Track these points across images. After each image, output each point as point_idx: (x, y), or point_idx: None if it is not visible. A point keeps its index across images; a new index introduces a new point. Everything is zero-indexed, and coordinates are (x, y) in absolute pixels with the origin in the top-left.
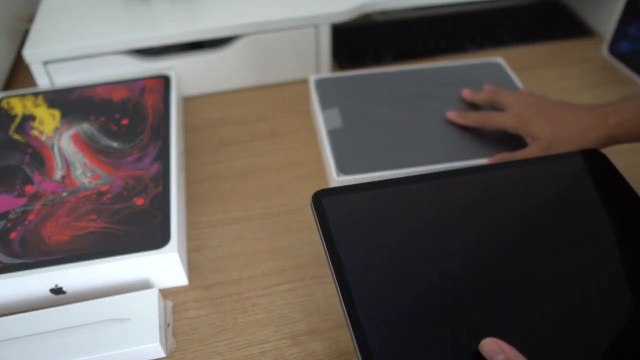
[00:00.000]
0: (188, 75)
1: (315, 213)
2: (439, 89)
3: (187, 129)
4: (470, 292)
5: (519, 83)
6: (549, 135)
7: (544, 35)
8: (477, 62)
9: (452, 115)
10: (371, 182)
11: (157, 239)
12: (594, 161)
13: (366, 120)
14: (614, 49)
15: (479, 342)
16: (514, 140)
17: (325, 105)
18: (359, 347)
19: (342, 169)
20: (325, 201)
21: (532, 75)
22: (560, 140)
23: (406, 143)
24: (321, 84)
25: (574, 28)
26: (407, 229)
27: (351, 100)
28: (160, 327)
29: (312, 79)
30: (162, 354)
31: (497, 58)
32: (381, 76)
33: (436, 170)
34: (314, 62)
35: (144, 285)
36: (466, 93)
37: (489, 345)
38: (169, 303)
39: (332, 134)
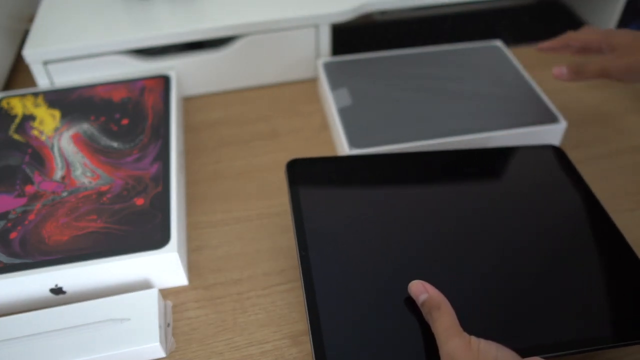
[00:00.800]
0: (188, 75)
1: (287, 178)
2: (441, 69)
3: (187, 129)
4: (410, 254)
5: (517, 64)
6: (630, 42)
7: (544, 35)
8: (477, 45)
9: (557, 71)
10: (337, 157)
11: (157, 239)
12: (553, 154)
13: (374, 98)
14: None
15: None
16: (516, 114)
17: (334, 86)
18: (305, 283)
19: (354, 143)
20: (297, 168)
21: (531, 75)
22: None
23: (413, 119)
24: (329, 67)
25: (574, 28)
26: (363, 198)
27: (359, 81)
28: (160, 327)
29: (320, 62)
30: (162, 354)
31: (496, 41)
32: (386, 59)
33: (441, 143)
34: (314, 62)
35: (144, 285)
36: (542, 45)
37: (416, 286)
38: (169, 303)
39: (343, 112)
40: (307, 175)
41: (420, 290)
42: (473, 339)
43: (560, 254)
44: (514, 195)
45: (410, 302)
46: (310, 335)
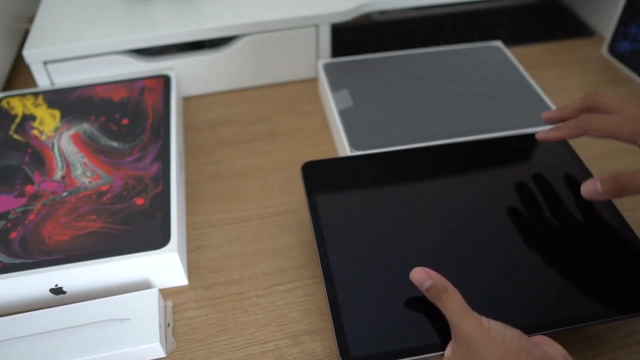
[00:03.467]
0: (188, 75)
1: (303, 179)
2: (442, 70)
3: (187, 129)
4: (418, 246)
5: (518, 64)
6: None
7: (544, 35)
8: (478, 46)
9: (542, 135)
10: (349, 157)
11: (157, 239)
12: (559, 148)
13: (375, 100)
14: (613, 49)
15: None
16: (517, 114)
17: (334, 87)
18: (325, 278)
19: (355, 145)
20: (311, 169)
21: (531, 75)
22: None
23: (414, 120)
24: (329, 68)
25: (574, 28)
26: (375, 193)
27: (359, 82)
28: (160, 327)
29: (320, 63)
30: (162, 354)
31: (497, 42)
32: (386, 59)
33: (442, 145)
34: (314, 62)
35: (144, 285)
36: (546, 115)
37: (418, 273)
38: (169, 303)
39: (343, 114)
40: (322, 175)
41: (424, 277)
42: (483, 319)
43: (567, 237)
44: (522, 183)
45: None
46: (332, 321)
